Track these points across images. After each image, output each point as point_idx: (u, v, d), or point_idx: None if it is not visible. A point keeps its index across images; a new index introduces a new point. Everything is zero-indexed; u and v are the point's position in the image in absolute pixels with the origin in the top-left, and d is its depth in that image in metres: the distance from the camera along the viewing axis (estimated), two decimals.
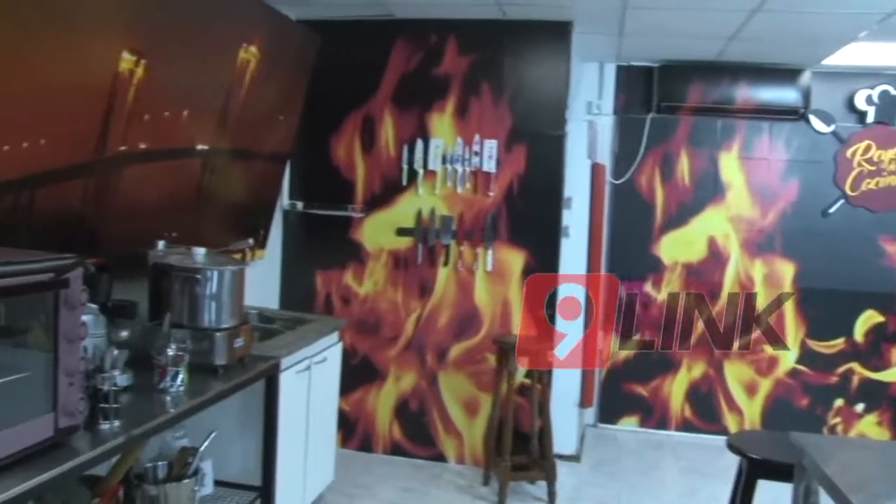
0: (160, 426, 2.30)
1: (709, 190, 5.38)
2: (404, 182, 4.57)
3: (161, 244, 2.87)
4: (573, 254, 4.79)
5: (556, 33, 4.44)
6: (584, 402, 5.00)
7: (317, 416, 3.65)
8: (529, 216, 4.49)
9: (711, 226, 5.39)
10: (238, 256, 3.75)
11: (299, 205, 4.60)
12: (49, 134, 2.53)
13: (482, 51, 4.50)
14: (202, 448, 2.79)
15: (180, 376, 2.53)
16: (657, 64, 5.29)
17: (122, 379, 2.21)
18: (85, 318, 2.12)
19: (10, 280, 1.74)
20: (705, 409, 5.47)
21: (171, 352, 2.49)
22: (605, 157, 5.40)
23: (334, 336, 3.85)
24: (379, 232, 4.62)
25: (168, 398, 2.48)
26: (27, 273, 1.79)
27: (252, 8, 3.60)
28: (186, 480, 2.70)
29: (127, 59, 2.77)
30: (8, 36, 2.22)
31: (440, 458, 4.70)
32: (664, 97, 5.24)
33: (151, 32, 2.87)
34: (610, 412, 5.62)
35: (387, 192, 4.60)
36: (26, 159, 2.45)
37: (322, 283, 4.68)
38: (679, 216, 5.41)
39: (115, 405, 2.15)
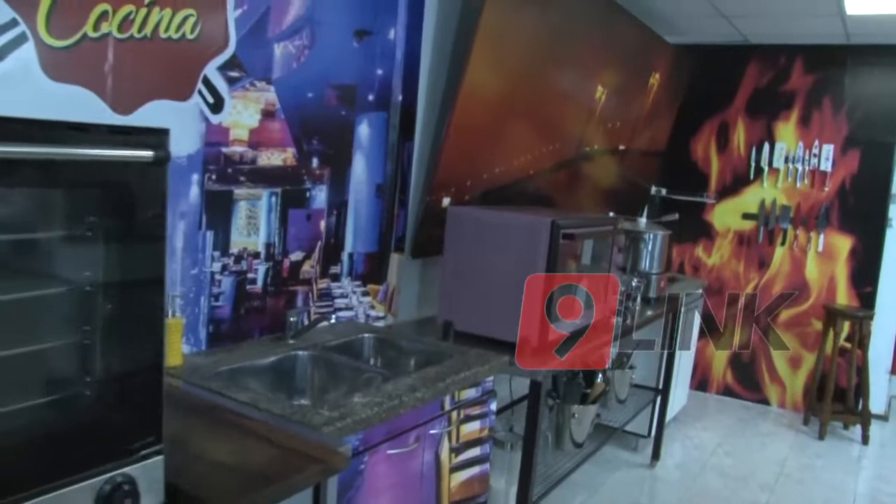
0: (640, 324, 3.67)
1: None
2: (751, 176, 5.69)
3: (611, 214, 4.24)
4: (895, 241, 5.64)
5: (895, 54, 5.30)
6: (894, 369, 5.84)
7: (686, 348, 4.92)
8: (858, 208, 5.42)
9: None
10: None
11: (663, 191, 5.86)
12: (561, 140, 3.99)
13: (825, 70, 5.47)
14: (633, 352, 4.17)
15: (637, 300, 3.90)
16: None
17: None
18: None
19: (595, 228, 3.15)
20: None
21: (633, 283, 3.86)
22: None
23: (700, 291, 5.09)
24: (727, 215, 5.78)
25: (628, 313, 3.85)
26: (600, 224, 3.20)
27: (662, 46, 4.89)
28: (628, 370, 4.09)
29: (599, 91, 4.18)
30: (547, 84, 3.68)
31: (764, 401, 5.79)
32: None
33: (611, 72, 4.26)
34: None
35: (735, 183, 5.75)
36: (551, 156, 3.93)
37: (676, 253, 5.93)
38: None
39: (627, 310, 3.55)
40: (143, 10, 2.04)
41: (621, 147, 4.83)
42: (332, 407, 1.90)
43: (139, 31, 2.04)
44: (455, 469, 2.40)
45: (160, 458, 1.31)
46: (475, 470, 2.52)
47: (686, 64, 5.46)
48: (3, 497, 1.12)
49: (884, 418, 5.72)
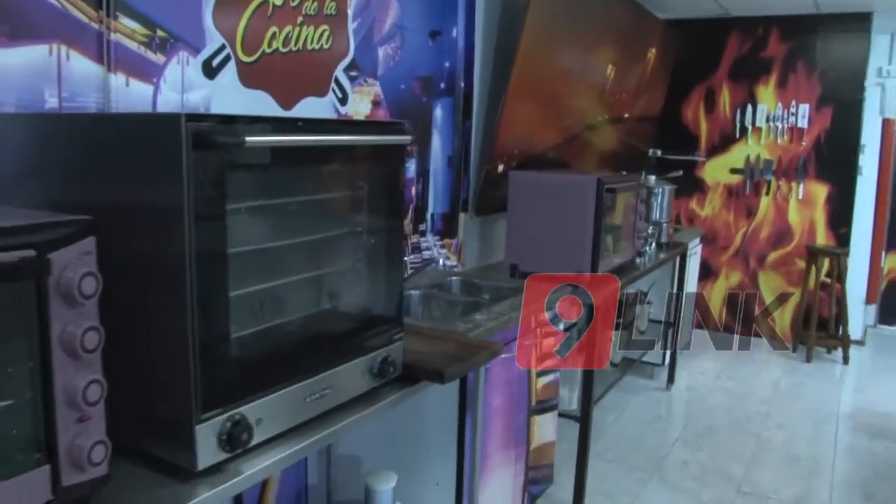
0: (654, 267, 4.35)
1: None
2: (736, 135, 6.39)
3: (623, 173, 4.90)
4: (865, 187, 6.35)
5: (859, 21, 5.98)
6: (868, 299, 6.61)
7: (690, 288, 5.63)
8: (832, 159, 6.14)
9: None
10: None
11: (659, 152, 6.53)
12: (580, 112, 4.65)
13: (798, 37, 6.16)
14: (649, 290, 4.86)
15: (652, 245, 4.58)
16: None
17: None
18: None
19: (627, 184, 3.81)
20: None
21: (649, 230, 4.54)
22: (894, 112, 6.80)
23: (698, 239, 5.80)
24: (716, 171, 6.50)
25: (646, 257, 4.53)
26: (629, 181, 3.87)
27: (655, 23, 5.56)
28: (646, 304, 4.79)
29: (609, 68, 4.84)
30: (571, 67, 4.34)
31: (757, 335, 6.53)
32: None
33: (620, 51, 4.91)
34: (890, 315, 7.01)
35: (723, 142, 6.46)
36: (565, 129, 4.59)
37: (674, 207, 6.61)
38: None
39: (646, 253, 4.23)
40: (297, 29, 2.66)
41: (625, 115, 5.50)
42: (465, 322, 2.57)
43: (295, 45, 2.66)
44: (539, 375, 3.08)
45: (401, 342, 1.96)
46: (551, 377, 3.20)
47: (675, 37, 6.12)
48: (324, 367, 1.76)
49: (861, 343, 6.49)
